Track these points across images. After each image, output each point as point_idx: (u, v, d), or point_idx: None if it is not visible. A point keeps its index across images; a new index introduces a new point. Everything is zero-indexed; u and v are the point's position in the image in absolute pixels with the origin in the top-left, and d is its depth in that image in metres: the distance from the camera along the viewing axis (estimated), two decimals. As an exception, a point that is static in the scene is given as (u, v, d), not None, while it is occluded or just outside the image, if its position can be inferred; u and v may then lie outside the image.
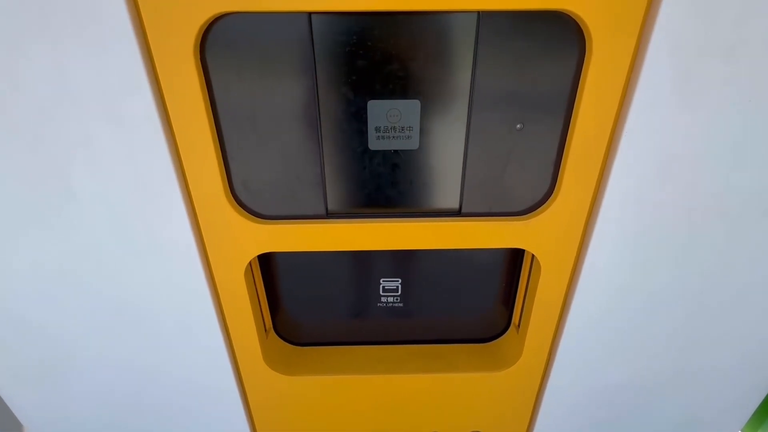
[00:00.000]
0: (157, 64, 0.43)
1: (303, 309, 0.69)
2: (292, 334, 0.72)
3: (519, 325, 0.69)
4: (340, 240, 0.55)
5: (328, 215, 0.54)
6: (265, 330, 0.68)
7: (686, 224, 0.53)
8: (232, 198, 0.52)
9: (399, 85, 0.47)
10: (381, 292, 0.67)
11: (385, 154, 0.51)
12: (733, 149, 0.48)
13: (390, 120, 0.49)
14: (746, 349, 0.67)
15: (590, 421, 0.76)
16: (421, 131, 0.50)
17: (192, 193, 0.51)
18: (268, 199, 0.53)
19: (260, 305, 0.66)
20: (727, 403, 0.74)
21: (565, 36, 0.44)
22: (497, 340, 0.71)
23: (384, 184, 0.53)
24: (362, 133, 0.50)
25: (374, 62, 0.46)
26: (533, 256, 0.58)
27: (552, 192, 0.53)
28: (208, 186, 0.50)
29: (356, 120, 0.49)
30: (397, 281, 0.66)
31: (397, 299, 0.67)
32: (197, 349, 0.63)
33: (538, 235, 0.55)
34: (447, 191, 0.54)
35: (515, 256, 0.64)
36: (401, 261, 0.65)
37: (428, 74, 0.46)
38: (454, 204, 0.55)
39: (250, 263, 0.58)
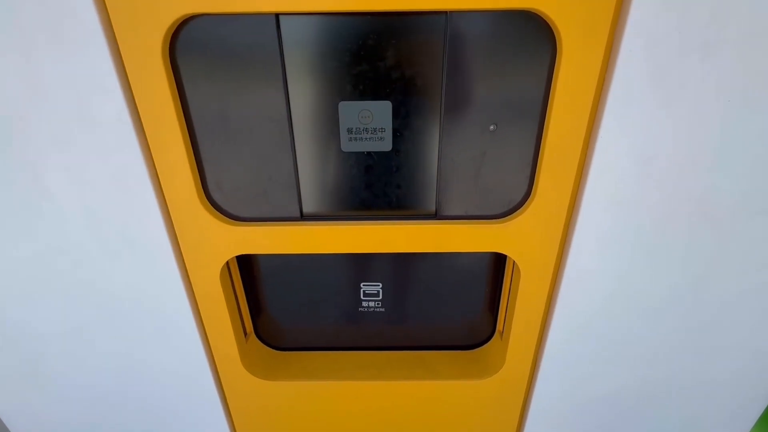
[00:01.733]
0: (126, 66, 0.43)
1: (283, 313, 0.69)
2: (273, 338, 0.71)
3: (503, 333, 0.67)
4: (315, 242, 0.54)
5: (303, 217, 0.54)
6: (245, 334, 0.68)
7: (670, 225, 0.52)
8: (206, 199, 0.52)
9: (369, 86, 0.47)
10: (362, 297, 0.66)
11: (358, 156, 0.51)
12: (715, 148, 0.47)
13: (362, 121, 0.48)
14: (741, 358, 0.64)
15: (579, 431, 0.73)
16: (394, 133, 0.49)
17: (165, 194, 0.51)
18: (242, 201, 0.53)
19: (240, 309, 0.65)
20: (723, 414, 0.71)
21: (536, 36, 0.44)
22: (481, 347, 0.70)
23: (358, 186, 0.53)
24: (334, 134, 0.49)
25: (344, 63, 0.45)
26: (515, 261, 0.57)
27: (529, 194, 0.52)
28: (181, 187, 0.50)
29: (327, 121, 0.48)
30: (378, 285, 0.65)
31: (378, 304, 0.66)
32: (175, 352, 0.63)
33: (516, 239, 0.54)
34: (422, 194, 0.53)
35: (498, 262, 0.63)
36: (381, 265, 0.64)
37: (398, 75, 0.46)
38: (430, 207, 0.54)
39: (227, 266, 0.58)
